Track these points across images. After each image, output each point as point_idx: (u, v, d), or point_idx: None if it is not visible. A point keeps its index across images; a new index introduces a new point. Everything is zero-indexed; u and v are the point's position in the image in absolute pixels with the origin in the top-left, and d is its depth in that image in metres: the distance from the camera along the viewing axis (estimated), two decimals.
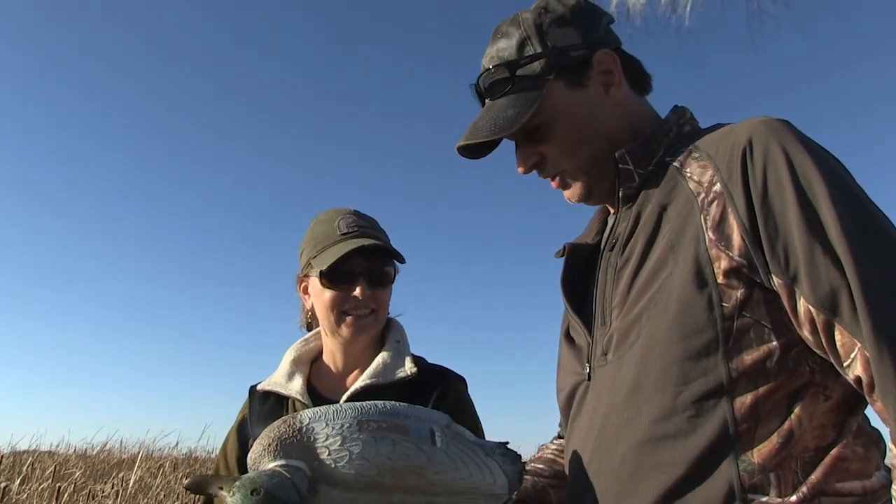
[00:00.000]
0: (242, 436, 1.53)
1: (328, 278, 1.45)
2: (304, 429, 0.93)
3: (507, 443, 1.07)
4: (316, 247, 1.49)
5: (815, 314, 0.82)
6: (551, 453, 1.26)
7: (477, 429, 1.56)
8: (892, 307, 0.78)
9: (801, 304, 0.83)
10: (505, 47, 1.06)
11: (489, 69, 1.07)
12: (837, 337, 0.81)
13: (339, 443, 0.92)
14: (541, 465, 1.23)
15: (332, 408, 0.98)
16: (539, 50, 1.04)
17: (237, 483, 0.87)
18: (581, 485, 0.99)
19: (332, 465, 0.90)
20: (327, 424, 0.93)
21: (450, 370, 1.57)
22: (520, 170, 1.10)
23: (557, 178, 1.09)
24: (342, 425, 0.93)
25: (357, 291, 1.44)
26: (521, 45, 1.05)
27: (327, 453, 0.91)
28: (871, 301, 0.78)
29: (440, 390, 1.49)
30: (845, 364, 0.81)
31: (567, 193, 1.10)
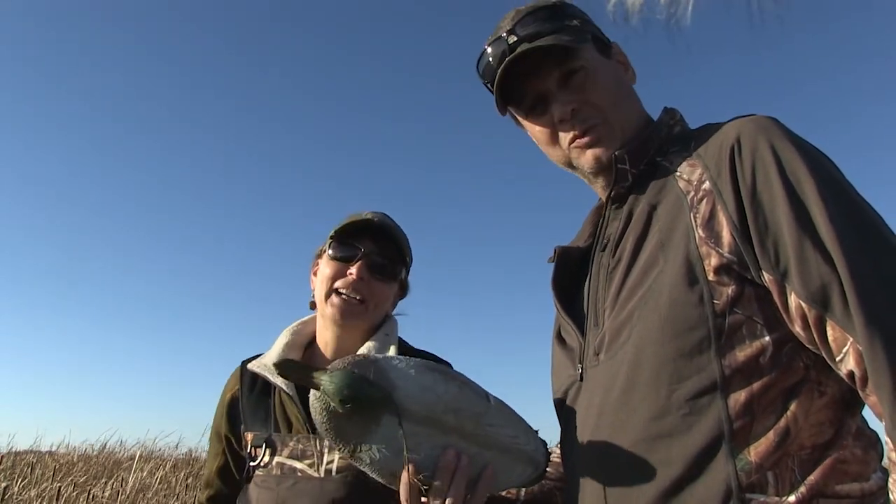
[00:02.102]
0: (233, 416, 1.53)
1: (334, 249, 1.47)
2: (380, 361, 0.97)
3: (537, 431, 1.10)
4: (338, 225, 1.52)
5: (806, 309, 0.81)
6: (556, 456, 1.25)
7: None
8: (883, 301, 0.77)
9: (793, 300, 0.83)
10: (543, 5, 1.08)
11: (525, 17, 1.07)
12: (829, 332, 0.81)
13: (413, 374, 0.97)
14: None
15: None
16: (576, 15, 1.09)
17: (331, 368, 0.94)
18: (578, 485, 0.99)
19: (404, 394, 0.95)
20: (401, 361, 0.98)
21: (433, 355, 1.57)
22: (559, 113, 1.05)
23: (592, 134, 1.05)
24: (416, 363, 0.99)
25: (353, 269, 1.44)
26: (559, 7, 1.08)
27: (401, 381, 0.95)
28: (863, 295, 0.77)
29: None
30: (838, 359, 0.81)
31: (595, 151, 1.05)
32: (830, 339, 0.81)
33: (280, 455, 1.40)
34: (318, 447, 1.40)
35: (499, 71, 1.05)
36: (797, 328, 0.84)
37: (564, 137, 1.07)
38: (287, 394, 1.46)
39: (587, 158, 1.07)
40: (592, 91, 1.05)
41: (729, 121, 0.96)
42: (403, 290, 1.59)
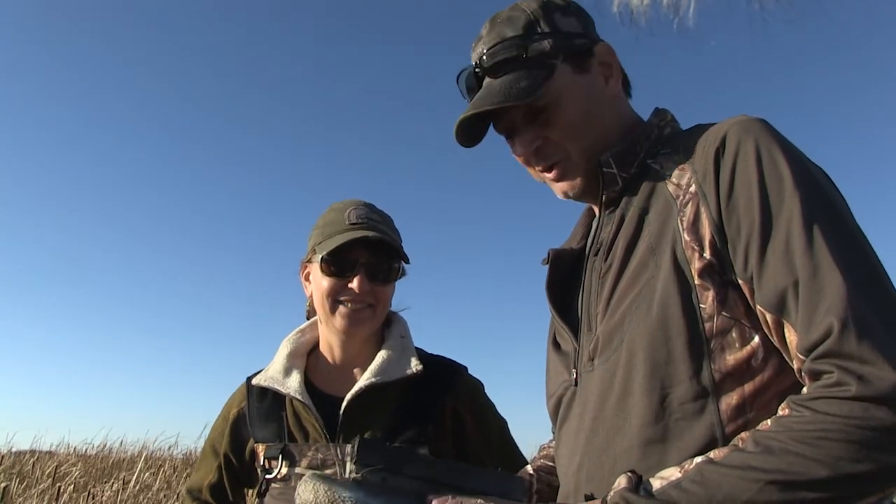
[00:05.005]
0: (238, 433, 1.51)
1: (328, 265, 1.43)
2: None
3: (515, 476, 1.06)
4: (322, 233, 1.48)
5: (766, 314, 0.82)
6: (550, 459, 1.25)
7: (497, 421, 1.56)
8: (854, 296, 0.75)
9: (757, 304, 0.83)
10: (510, 29, 1.05)
11: (491, 48, 1.05)
12: (788, 336, 0.80)
13: None
14: (550, 462, 1.22)
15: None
16: (548, 30, 1.05)
17: None
18: (572, 492, 0.98)
19: None
20: None
21: (452, 362, 1.56)
22: (519, 156, 1.08)
23: (556, 169, 1.06)
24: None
25: (354, 283, 1.42)
26: (530, 26, 1.05)
27: None
28: (818, 296, 0.76)
29: (450, 387, 1.49)
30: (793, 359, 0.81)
31: (562, 185, 1.08)
32: (788, 342, 0.81)
33: (299, 466, 1.37)
34: (340, 455, 1.36)
35: (455, 126, 1.06)
36: (766, 331, 0.84)
37: (532, 167, 1.10)
38: (301, 402, 1.43)
39: (556, 190, 1.10)
40: (556, 126, 1.04)
41: (719, 122, 0.95)
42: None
